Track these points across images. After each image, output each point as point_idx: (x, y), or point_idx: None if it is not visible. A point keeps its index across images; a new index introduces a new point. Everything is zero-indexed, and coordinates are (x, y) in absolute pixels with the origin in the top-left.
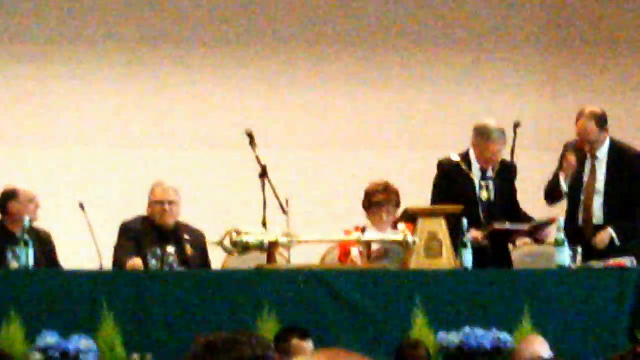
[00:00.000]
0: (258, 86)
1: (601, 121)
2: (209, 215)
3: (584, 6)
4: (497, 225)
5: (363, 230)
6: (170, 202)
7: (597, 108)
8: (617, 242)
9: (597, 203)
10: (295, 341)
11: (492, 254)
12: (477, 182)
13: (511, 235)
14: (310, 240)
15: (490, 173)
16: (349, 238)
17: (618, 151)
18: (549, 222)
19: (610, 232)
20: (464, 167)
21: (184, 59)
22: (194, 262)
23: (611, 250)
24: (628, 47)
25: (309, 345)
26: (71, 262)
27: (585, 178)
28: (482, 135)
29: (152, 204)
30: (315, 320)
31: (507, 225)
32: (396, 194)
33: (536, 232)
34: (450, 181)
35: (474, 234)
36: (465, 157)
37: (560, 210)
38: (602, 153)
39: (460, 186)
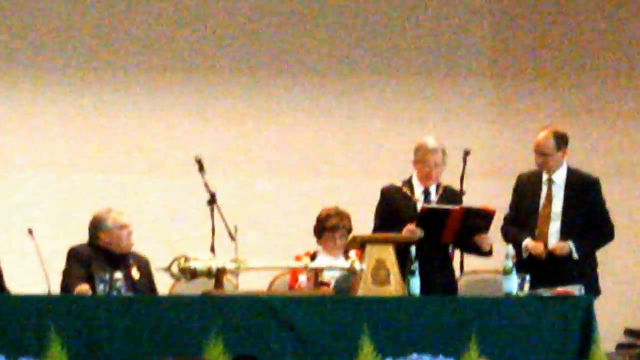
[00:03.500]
0: (207, 113)
1: (560, 139)
2: (158, 241)
3: (533, 36)
4: (426, 205)
5: (313, 256)
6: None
7: (561, 128)
8: (575, 255)
9: (553, 228)
10: None
11: (427, 236)
12: (419, 205)
13: (444, 220)
14: (257, 266)
15: (433, 196)
16: (296, 265)
17: (575, 177)
18: (486, 211)
19: (570, 244)
20: (406, 190)
21: (133, 85)
22: (141, 287)
23: (567, 266)
24: (576, 76)
25: None
26: (19, 286)
27: (541, 203)
28: (420, 149)
29: (114, 229)
30: (261, 346)
31: (435, 205)
32: (348, 218)
33: (472, 223)
34: (392, 206)
35: (409, 227)
36: (408, 181)
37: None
38: (560, 178)
39: (402, 209)
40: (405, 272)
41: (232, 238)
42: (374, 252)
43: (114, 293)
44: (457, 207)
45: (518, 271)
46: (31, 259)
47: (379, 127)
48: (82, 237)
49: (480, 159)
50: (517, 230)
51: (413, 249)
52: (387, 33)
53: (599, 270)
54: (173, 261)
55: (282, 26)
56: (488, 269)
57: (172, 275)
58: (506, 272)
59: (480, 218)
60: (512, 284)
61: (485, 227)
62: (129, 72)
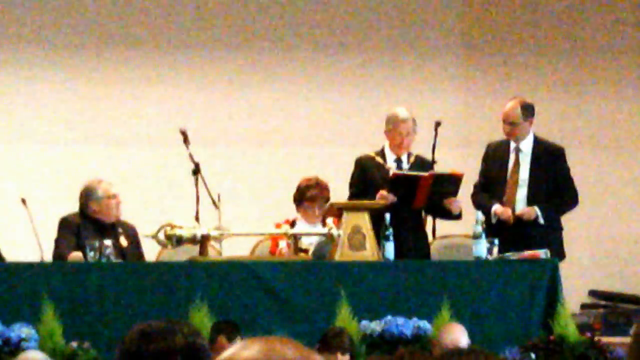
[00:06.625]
0: (191, 85)
1: (527, 109)
2: (145, 210)
3: (502, 8)
4: (397, 171)
5: (293, 223)
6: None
7: (528, 99)
8: (541, 220)
9: (520, 195)
10: (222, 339)
11: (399, 202)
12: (391, 173)
13: (415, 186)
14: (239, 233)
15: (405, 164)
16: (277, 232)
17: (542, 146)
18: (454, 175)
19: (536, 209)
20: (379, 159)
21: (119, 58)
22: (129, 254)
23: (534, 231)
24: (544, 48)
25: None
26: (13, 255)
27: (509, 171)
28: (391, 119)
29: (103, 198)
30: (244, 310)
31: (405, 172)
32: (327, 189)
33: (441, 188)
34: (366, 174)
35: (382, 193)
36: (381, 151)
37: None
38: (527, 147)
39: (375, 178)
40: (380, 238)
41: (216, 206)
42: (350, 219)
43: (104, 260)
44: (426, 173)
45: (487, 236)
46: (24, 227)
47: (355, 99)
48: (73, 206)
49: (451, 130)
50: (487, 197)
51: (387, 215)
52: (358, 6)
53: (564, 234)
54: (160, 229)
55: (261, 0)
56: (459, 233)
57: (159, 242)
58: (476, 237)
59: (449, 182)
60: (482, 248)
61: (454, 191)
62: (117, 46)
